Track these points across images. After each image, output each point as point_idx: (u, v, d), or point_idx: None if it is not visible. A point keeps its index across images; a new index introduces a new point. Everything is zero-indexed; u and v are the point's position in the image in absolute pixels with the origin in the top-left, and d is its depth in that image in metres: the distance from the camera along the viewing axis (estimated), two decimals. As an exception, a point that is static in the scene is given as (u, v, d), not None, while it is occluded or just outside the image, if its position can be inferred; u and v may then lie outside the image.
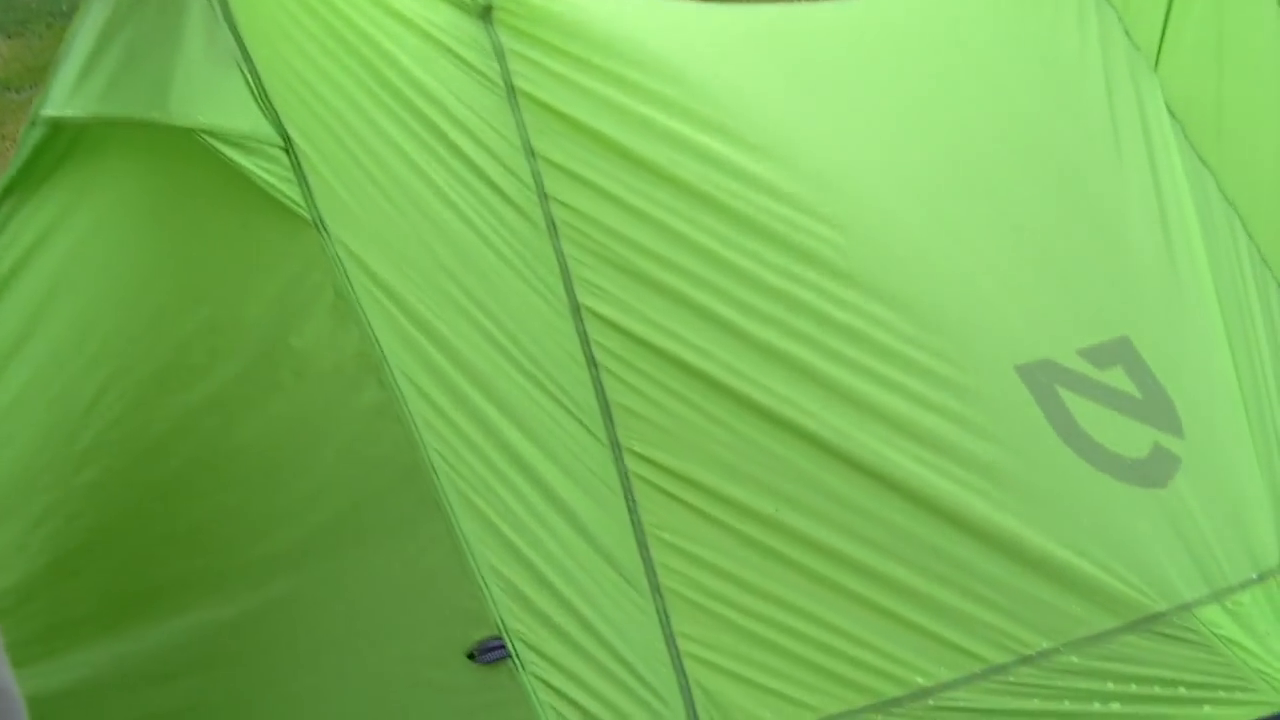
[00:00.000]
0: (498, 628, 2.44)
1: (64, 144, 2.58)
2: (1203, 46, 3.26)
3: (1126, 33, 3.23)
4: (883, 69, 3.03)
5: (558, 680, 2.46)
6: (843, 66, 3.01)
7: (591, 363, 2.60)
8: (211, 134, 2.44)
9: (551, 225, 2.64)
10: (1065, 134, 3.07)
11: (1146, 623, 2.67)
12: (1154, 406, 2.85)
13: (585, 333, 2.61)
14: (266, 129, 2.46)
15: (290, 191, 2.48)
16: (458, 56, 2.62)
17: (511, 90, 2.66)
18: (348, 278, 2.48)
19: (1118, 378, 2.85)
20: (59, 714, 2.63)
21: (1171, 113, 3.20)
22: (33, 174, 2.59)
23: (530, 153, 2.65)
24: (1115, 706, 2.63)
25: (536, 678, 2.45)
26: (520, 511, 2.49)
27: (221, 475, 2.60)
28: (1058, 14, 3.18)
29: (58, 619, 2.66)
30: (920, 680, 2.59)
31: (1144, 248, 3.01)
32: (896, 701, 2.58)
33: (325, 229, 2.48)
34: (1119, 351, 2.88)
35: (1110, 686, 2.63)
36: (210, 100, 2.45)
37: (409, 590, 2.51)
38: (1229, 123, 3.24)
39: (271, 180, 2.47)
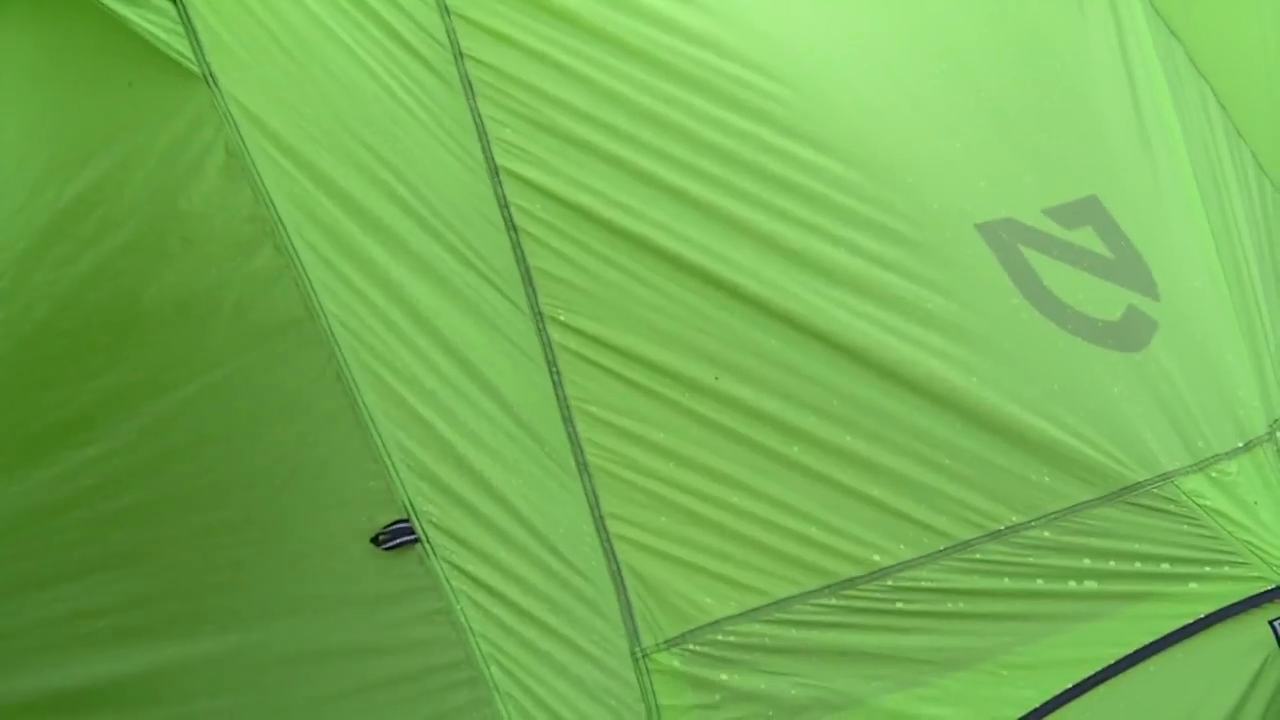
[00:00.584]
0: (405, 510, 2.22)
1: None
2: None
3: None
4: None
5: (473, 566, 2.24)
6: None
7: (511, 227, 2.38)
8: (93, -16, 2.25)
9: (468, 84, 2.42)
10: (1028, -2, 2.86)
11: (1124, 494, 2.44)
12: (1127, 267, 2.62)
13: (504, 196, 2.39)
14: (150, -24, 2.27)
15: (178, 44, 2.26)
16: (360, -97, 2.42)
17: (421, -57, 2.46)
18: (240, 135, 2.26)
19: (1086, 237, 2.62)
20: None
21: (1140, -19, 3.01)
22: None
23: (444, 9, 2.43)
24: (1091, 584, 2.40)
25: (449, 563, 2.23)
26: (432, 384, 2.27)
27: (111, 354, 2.37)
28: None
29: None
30: (878, 559, 2.36)
31: (1112, 111, 2.78)
32: (852, 582, 2.35)
33: (216, 84, 2.27)
34: (1087, 211, 2.65)
35: (1086, 563, 2.40)
36: (87, -55, 2.25)
37: (307, 471, 2.27)
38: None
39: (157, 32, 2.26)
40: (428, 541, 2.23)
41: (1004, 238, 2.55)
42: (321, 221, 2.28)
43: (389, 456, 2.24)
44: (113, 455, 2.36)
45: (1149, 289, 2.62)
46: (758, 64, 2.52)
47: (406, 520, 2.23)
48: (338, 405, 2.23)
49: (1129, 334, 2.56)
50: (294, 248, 2.27)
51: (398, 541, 2.23)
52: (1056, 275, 2.56)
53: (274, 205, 2.27)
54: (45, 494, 2.38)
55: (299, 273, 2.26)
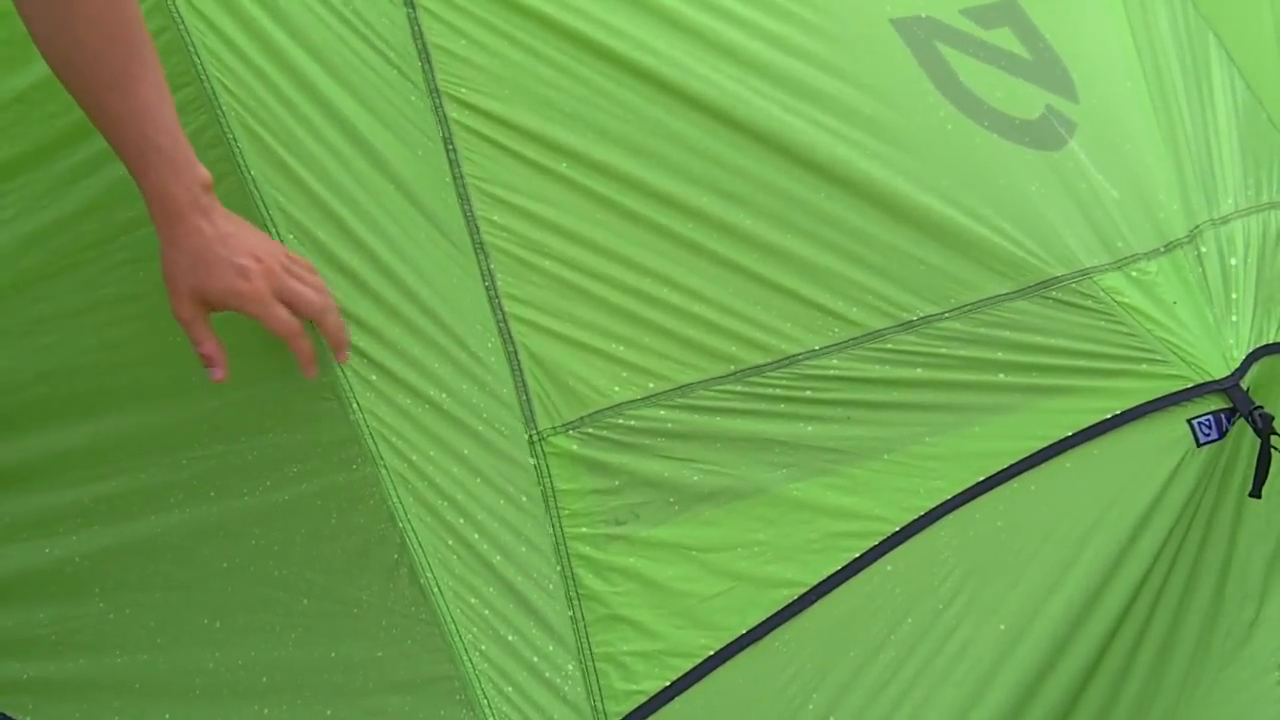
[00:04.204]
0: (290, 283, 2.11)
1: None
2: None
3: None
4: None
5: (362, 340, 2.11)
6: None
7: (408, 2, 2.28)
8: None
9: None
10: None
11: (1040, 287, 2.36)
12: (1045, 69, 2.54)
13: (399, -31, 2.29)
14: None
15: None
16: None
17: None
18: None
19: (1004, 38, 2.54)
20: None
21: None
22: None
23: None
24: (1005, 377, 2.32)
25: (340, 341, 2.12)
26: (318, 152, 2.15)
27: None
28: None
29: None
30: (785, 347, 2.26)
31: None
32: (758, 369, 2.25)
33: None
34: (1005, 12, 2.57)
35: (1000, 355, 2.32)
36: None
37: (184, 237, 2.16)
38: None
39: None
40: (315, 318, 2.11)
41: (919, 34, 2.47)
42: (205, -18, 2.17)
43: (274, 224, 2.12)
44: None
45: (1068, 90, 2.54)
46: None
47: (292, 295, 2.11)
48: (219, 169, 2.10)
49: (1046, 133, 2.48)
50: (177, 10, 2.15)
51: (283, 319, 2.11)
52: (973, 73, 2.48)
53: None
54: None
55: (182, 34, 2.14)
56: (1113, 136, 2.55)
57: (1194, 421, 2.36)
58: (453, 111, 2.25)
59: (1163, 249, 2.48)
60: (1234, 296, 2.53)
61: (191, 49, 2.14)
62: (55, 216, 2.25)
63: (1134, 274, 2.42)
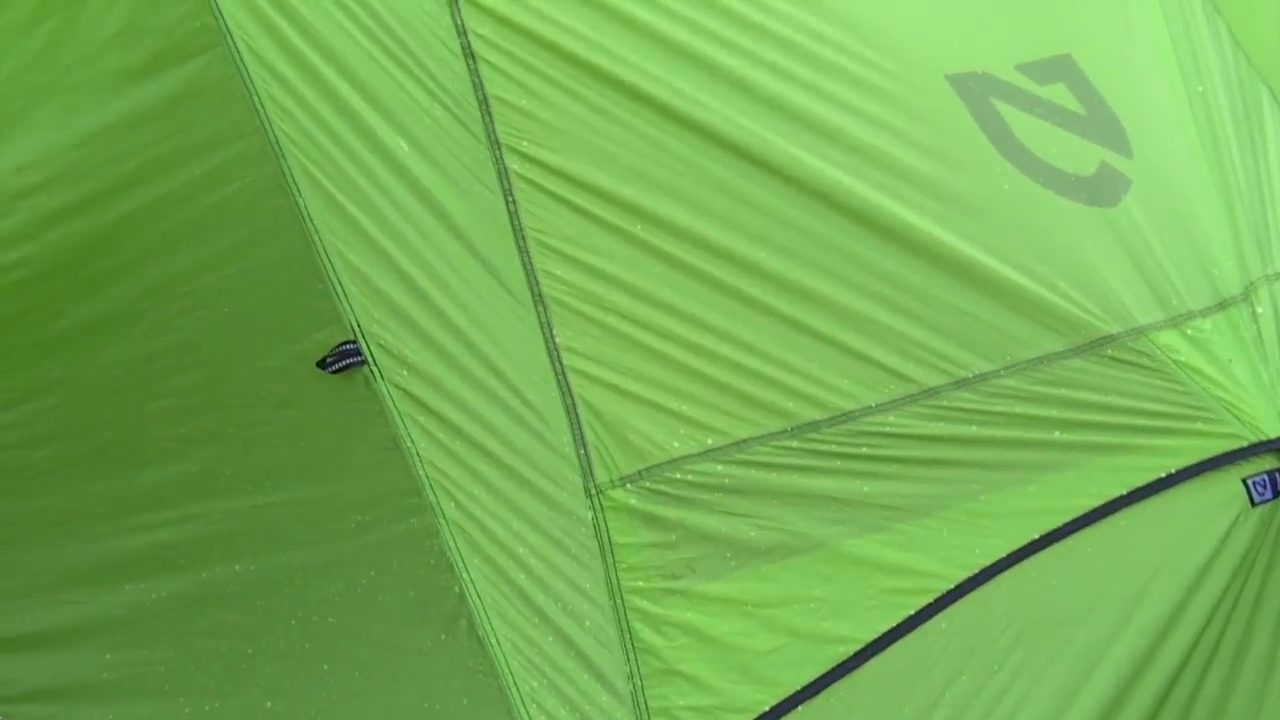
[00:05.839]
0: (352, 330, 2.12)
1: None
2: None
3: None
4: None
5: (421, 390, 2.14)
6: None
7: (468, 53, 2.28)
8: None
9: (425, -91, 2.34)
10: None
11: (1096, 345, 2.36)
12: (1100, 124, 2.54)
13: (462, 23, 2.29)
14: None
15: None
16: None
17: None
18: (185, -59, 2.19)
19: (1059, 94, 2.55)
20: None
21: None
22: None
23: None
24: (1061, 435, 2.32)
25: (397, 387, 2.13)
26: (381, 202, 2.17)
27: (45, 170, 2.27)
28: None
29: None
30: (842, 403, 2.27)
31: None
32: (815, 425, 2.26)
33: None
34: (1060, 68, 2.57)
35: (1056, 413, 2.32)
36: None
37: (248, 290, 2.18)
38: None
39: None
40: (375, 364, 2.13)
41: (975, 90, 2.47)
42: (272, 35, 2.17)
43: (336, 274, 2.14)
44: (49, 276, 2.27)
45: (1122, 146, 2.55)
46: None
47: (353, 341, 2.13)
48: (283, 220, 2.13)
49: (1102, 189, 2.49)
50: (243, 61, 2.17)
51: (344, 363, 2.12)
52: (1029, 129, 2.48)
53: (222, 16, 2.17)
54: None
55: (247, 84, 2.16)
56: (1167, 192, 2.55)
57: (1249, 480, 2.36)
58: (513, 163, 2.27)
59: (1217, 306, 2.48)
60: (1290, 354, 2.53)
61: (255, 99, 2.16)
62: (118, 263, 2.28)
63: (1189, 331, 2.42)
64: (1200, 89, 2.74)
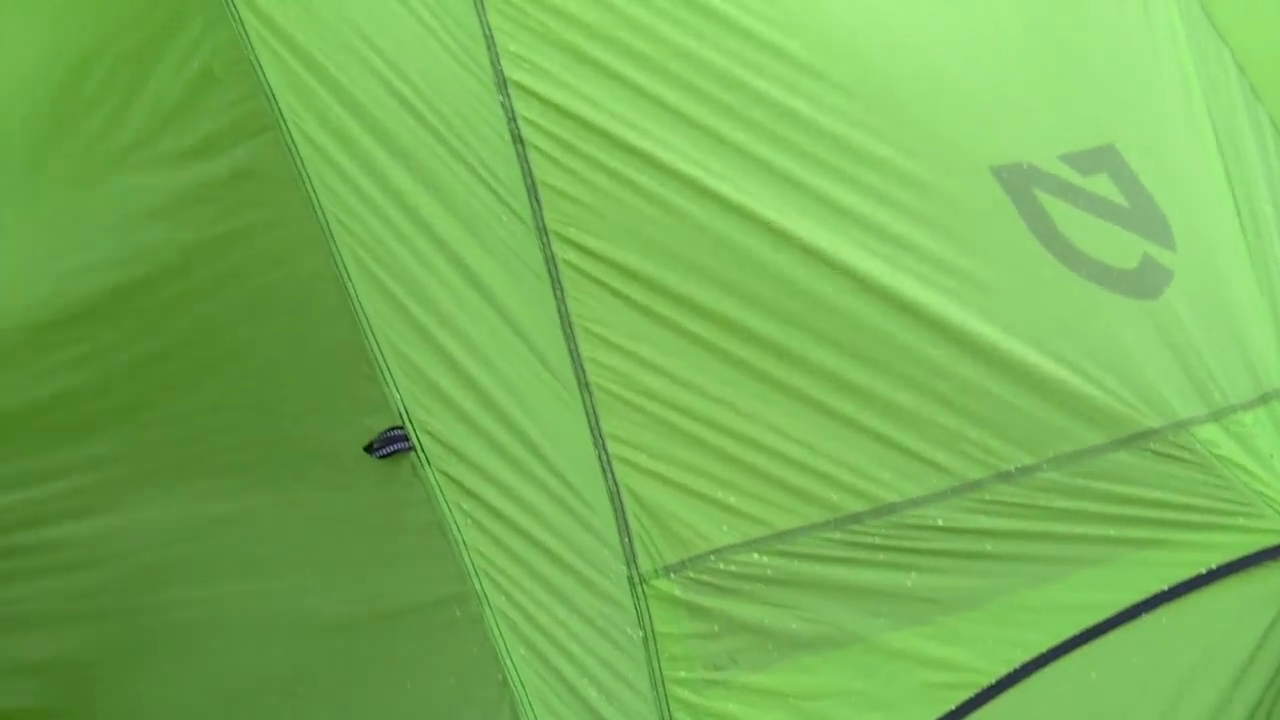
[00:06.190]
0: (400, 416, 2.14)
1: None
2: None
3: None
4: None
5: (469, 478, 2.15)
6: None
7: (518, 140, 2.30)
8: None
9: (477, -5, 2.37)
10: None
11: (1138, 439, 2.37)
12: (1143, 216, 2.56)
13: (512, 109, 2.31)
14: None
15: None
16: None
17: None
18: (242, 25, 2.19)
19: (1103, 185, 2.56)
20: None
21: (1157, -60, 2.98)
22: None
23: (453, -81, 2.39)
24: (1102, 529, 2.32)
25: (444, 474, 2.14)
26: (431, 288, 2.19)
27: (103, 250, 2.31)
28: None
29: None
30: (885, 495, 2.28)
31: (1131, 62, 2.73)
32: (857, 517, 2.27)
33: (217, -33, 2.22)
34: (1104, 159, 2.59)
35: (1096, 507, 2.33)
36: None
37: (297, 373, 2.20)
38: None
39: None
40: (422, 450, 2.14)
41: (1019, 182, 2.49)
42: (324, 118, 2.19)
43: (384, 360, 2.15)
44: (103, 352, 2.28)
45: (1165, 239, 2.56)
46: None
47: (401, 428, 2.14)
48: (333, 305, 2.15)
49: (1144, 282, 2.50)
50: (295, 145, 2.19)
51: (391, 449, 2.14)
52: (1072, 221, 2.50)
53: (276, 101, 2.19)
54: (27, 392, 2.31)
55: (299, 168, 2.18)
56: (1209, 285, 2.56)
57: (1290, 576, 2.37)
58: (560, 250, 2.29)
59: (1259, 399, 2.49)
60: (1333, 449, 2.54)
61: (308, 184, 2.18)
62: (168, 343, 2.30)
63: (1230, 425, 2.43)
64: (1242, 177, 2.76)
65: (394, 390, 2.14)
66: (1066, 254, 2.47)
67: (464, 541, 2.13)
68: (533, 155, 2.31)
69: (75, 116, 2.33)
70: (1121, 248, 2.52)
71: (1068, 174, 2.55)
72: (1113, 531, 2.33)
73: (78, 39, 2.38)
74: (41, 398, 2.37)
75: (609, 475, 2.23)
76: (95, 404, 2.33)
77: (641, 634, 2.18)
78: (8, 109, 2.47)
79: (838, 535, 2.26)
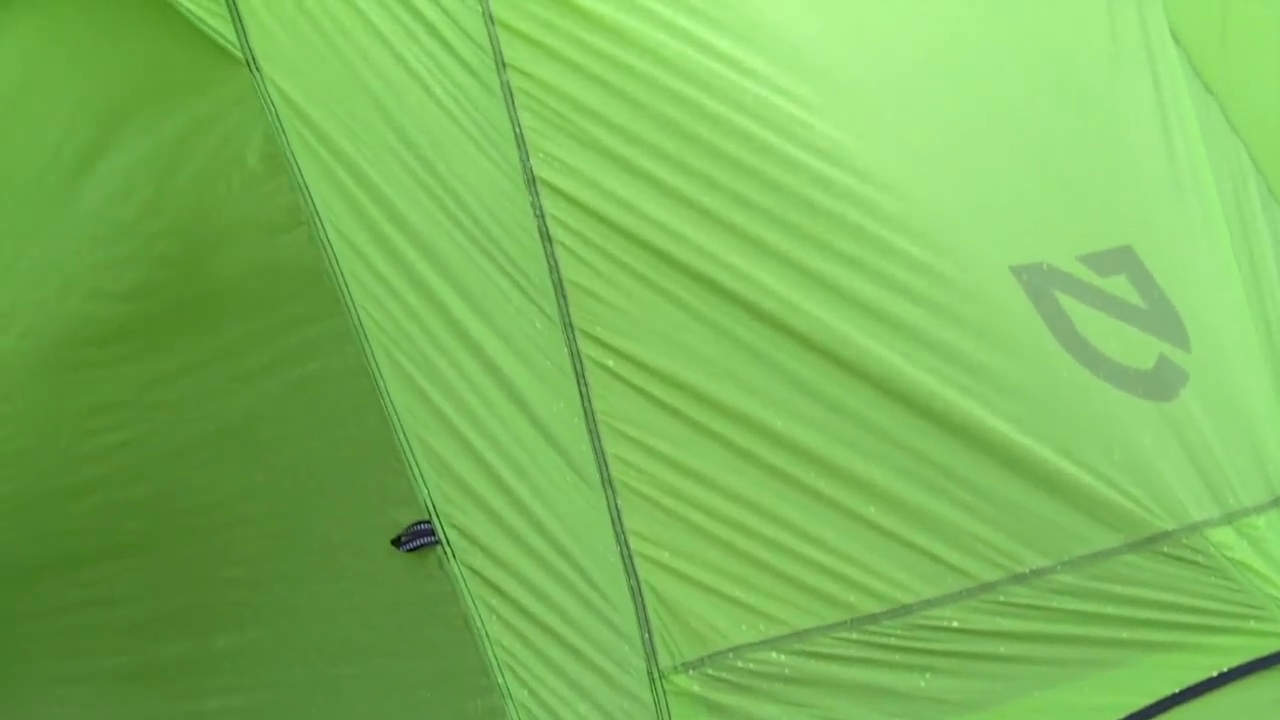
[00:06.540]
0: (427, 510, 2.18)
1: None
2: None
3: (1127, -47, 3.06)
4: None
5: (493, 573, 2.19)
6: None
7: (546, 238, 2.36)
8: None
9: (509, 93, 2.40)
10: (1064, 43, 2.82)
11: (1151, 542, 2.40)
12: (1159, 318, 2.60)
13: (541, 207, 2.36)
14: (196, -44, 2.26)
15: (222, 28, 2.26)
16: (411, -88, 2.43)
17: (469, -49, 2.46)
18: (280, 123, 2.25)
19: (1120, 286, 2.60)
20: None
21: (1175, 38, 3.01)
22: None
23: (489, 18, 2.42)
24: (1115, 632, 2.35)
25: (469, 568, 2.18)
26: (458, 384, 2.24)
27: (142, 340, 2.36)
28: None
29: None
30: (901, 596, 2.32)
31: (1148, 162, 2.77)
32: (874, 618, 2.30)
33: (258, 69, 2.26)
34: (1122, 260, 2.63)
35: (1109, 609, 2.36)
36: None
37: (330, 464, 2.25)
38: (1234, 52, 3.05)
39: (202, 15, 2.25)
40: (448, 544, 2.18)
41: (1039, 282, 2.53)
42: (357, 215, 2.25)
43: (413, 454, 2.20)
44: (133, 442, 2.33)
45: (1181, 340, 2.60)
46: (800, 95, 2.49)
47: (428, 521, 2.19)
48: (363, 399, 2.20)
49: (1160, 383, 2.54)
50: (328, 240, 2.24)
51: (418, 543, 2.18)
52: (1090, 322, 2.54)
53: (311, 196, 2.25)
54: (65, 477, 2.36)
55: (332, 265, 2.23)
56: (1224, 386, 2.60)
57: (1300, 680, 2.40)
58: (586, 348, 2.33)
59: (1272, 502, 2.52)
60: (1346, 552, 2.57)
61: (340, 278, 2.23)
62: (199, 434, 2.35)
63: (1243, 528, 2.46)
64: (1254, 278, 2.79)
65: (421, 484, 2.19)
66: (1084, 354, 2.51)
67: (488, 635, 2.17)
68: (560, 253, 2.36)
69: (102, 207, 2.38)
70: (1138, 348, 2.56)
71: (1086, 275, 2.59)
72: (1125, 634, 2.37)
73: (114, 118, 2.43)
74: (77, 483, 2.41)
75: (631, 571, 2.27)
76: (129, 490, 2.37)
77: (660, 729, 2.23)
78: (34, 182, 2.52)
79: (855, 635, 2.29)
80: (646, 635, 2.25)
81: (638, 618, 2.25)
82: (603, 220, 2.37)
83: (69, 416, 2.42)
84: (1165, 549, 2.41)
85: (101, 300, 2.42)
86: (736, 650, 2.26)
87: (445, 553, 2.18)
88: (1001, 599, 2.34)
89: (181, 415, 2.34)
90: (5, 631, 2.48)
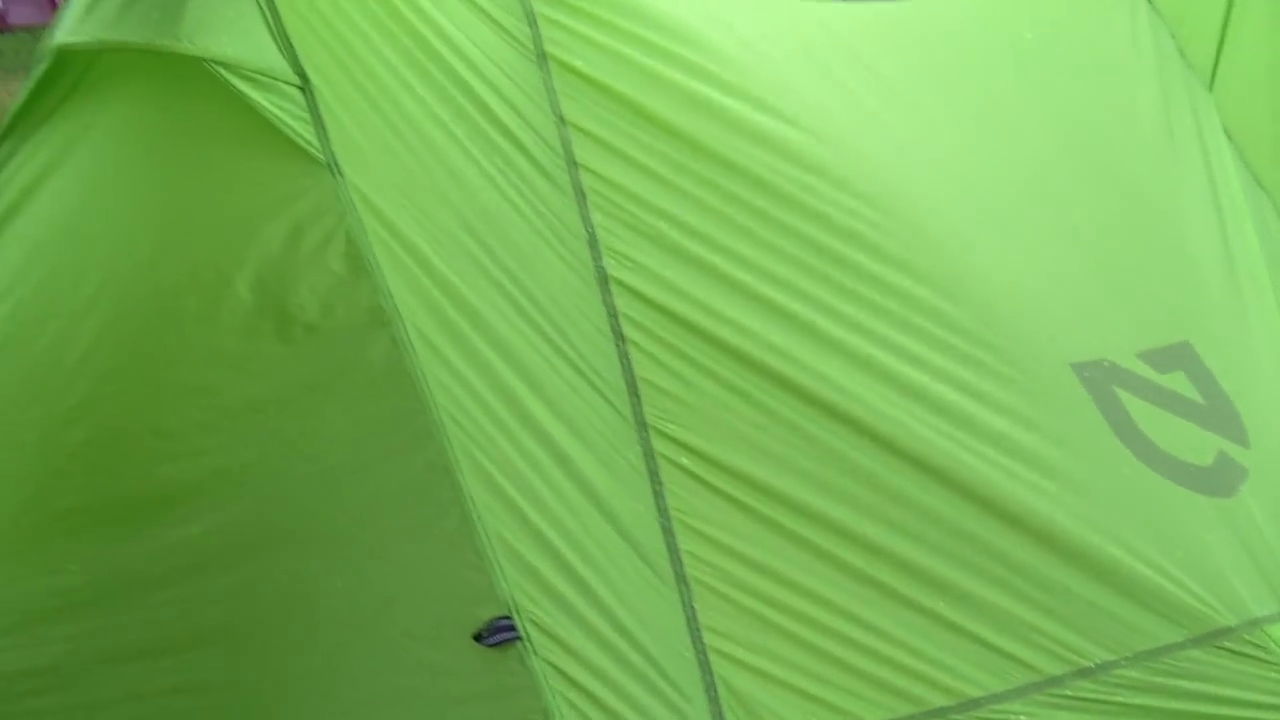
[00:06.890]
0: (508, 606, 2.24)
1: (71, 79, 2.46)
2: (1257, 68, 3.15)
3: (1180, 51, 3.13)
4: (934, 67, 2.88)
5: (572, 668, 2.25)
6: (891, 63, 2.85)
7: (619, 337, 2.42)
8: (224, 65, 2.30)
9: (580, 193, 2.48)
10: (1120, 141, 2.92)
11: (1213, 637, 2.44)
12: (1218, 414, 2.66)
13: (613, 305, 2.44)
14: (283, 64, 2.33)
15: (304, 131, 2.34)
16: (487, 16, 2.49)
17: (542, 55, 2.52)
18: (362, 226, 2.33)
19: (1179, 382, 2.66)
20: (38, 692, 2.47)
21: (1227, 134, 3.08)
22: (37, 109, 2.48)
23: (560, 119, 2.50)
24: (1180, 726, 2.42)
25: (548, 663, 2.24)
26: (537, 484, 2.30)
27: (225, 433, 2.41)
28: (1109, 24, 3.05)
29: (38, 587, 2.46)
30: (970, 690, 2.36)
31: (1204, 257, 2.85)
32: (942, 712, 2.34)
33: (340, 172, 2.34)
34: (1180, 356, 2.69)
35: (1173, 704, 2.40)
36: (224, 30, 2.32)
37: (412, 562, 2.31)
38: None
39: (285, 118, 2.33)
40: (529, 640, 2.24)
41: (1099, 378, 2.59)
42: (436, 316, 2.33)
43: (494, 552, 2.26)
44: (217, 533, 2.39)
45: (1240, 436, 2.65)
46: (864, 192, 2.58)
47: (509, 617, 2.24)
48: (445, 498, 2.26)
49: (1219, 480, 2.59)
50: (410, 341, 2.31)
51: (500, 638, 2.24)
52: (1150, 418, 2.60)
53: (392, 297, 2.32)
54: (147, 565, 2.42)
55: (414, 366, 2.30)
56: (1282, 483, 2.66)
57: (1361, 774, 2.43)
58: (659, 445, 2.39)
59: (1330, 598, 2.57)
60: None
61: (422, 381, 2.29)
62: (285, 531, 2.41)
63: (1302, 625, 2.51)
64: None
65: (502, 580, 2.24)
66: (1145, 451, 2.56)
67: (564, 727, 2.23)
68: (633, 352, 2.42)
69: (181, 302, 2.44)
70: (1198, 445, 2.62)
71: (1146, 371, 2.65)
72: (1189, 728, 2.41)
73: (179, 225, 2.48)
74: (161, 572, 2.47)
75: (704, 666, 2.32)
76: (217, 581, 2.43)
77: (734, 822, 2.27)
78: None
79: (923, 729, 2.34)
80: (721, 729, 2.31)
81: (711, 711, 2.30)
82: (673, 318, 2.43)
83: (148, 505, 2.47)
84: (1227, 644, 2.45)
85: (180, 394, 2.46)
86: (809, 744, 2.31)
87: (526, 648, 2.23)
88: (1068, 693, 2.38)
89: (264, 507, 2.39)
90: (87, 718, 2.53)
